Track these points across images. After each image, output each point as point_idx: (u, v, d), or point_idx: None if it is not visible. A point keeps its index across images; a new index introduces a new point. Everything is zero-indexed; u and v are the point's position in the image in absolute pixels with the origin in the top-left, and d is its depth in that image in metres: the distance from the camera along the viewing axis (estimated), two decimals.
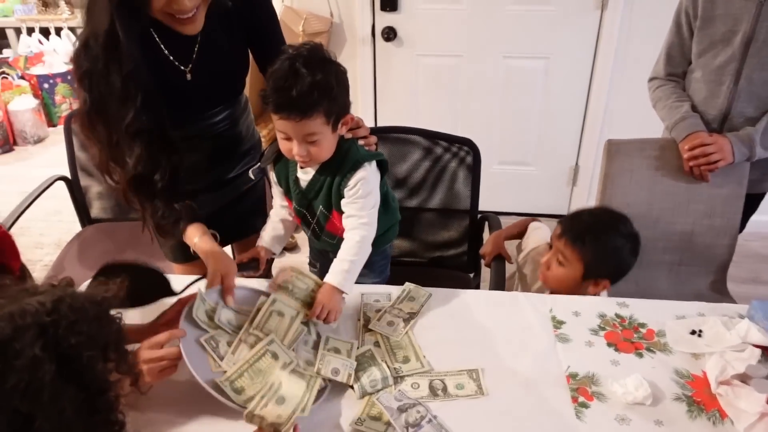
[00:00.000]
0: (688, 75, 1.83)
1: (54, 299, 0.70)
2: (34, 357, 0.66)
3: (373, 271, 1.52)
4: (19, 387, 0.64)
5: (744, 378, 1.13)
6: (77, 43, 1.25)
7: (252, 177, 1.57)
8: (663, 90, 1.85)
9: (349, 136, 1.36)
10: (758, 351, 1.17)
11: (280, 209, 1.50)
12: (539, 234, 1.75)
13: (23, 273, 1.16)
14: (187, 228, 1.41)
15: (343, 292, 1.28)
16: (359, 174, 1.31)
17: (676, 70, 1.85)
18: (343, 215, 1.34)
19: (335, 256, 1.33)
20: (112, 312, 0.77)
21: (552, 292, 1.54)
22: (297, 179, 1.39)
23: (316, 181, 1.35)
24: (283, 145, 1.28)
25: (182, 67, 1.39)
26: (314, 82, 1.17)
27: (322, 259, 1.60)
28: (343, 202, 1.34)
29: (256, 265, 1.44)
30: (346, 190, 1.32)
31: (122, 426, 0.76)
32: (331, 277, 1.28)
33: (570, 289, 1.50)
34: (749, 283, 2.73)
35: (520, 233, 1.81)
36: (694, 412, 1.10)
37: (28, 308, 0.68)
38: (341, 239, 1.35)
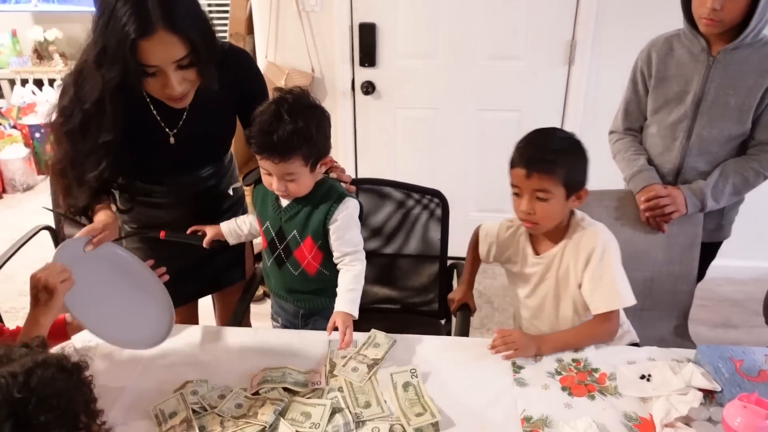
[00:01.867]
0: (644, 129, 1.94)
1: (25, 371, 0.73)
2: None
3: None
4: None
5: (687, 420, 1.19)
6: (60, 93, 1.35)
7: (230, 193, 1.66)
8: (621, 143, 1.95)
9: (333, 176, 1.49)
10: (700, 394, 1.24)
11: (249, 223, 1.60)
12: (486, 228, 1.72)
13: None
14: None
15: (352, 316, 1.40)
16: (346, 210, 1.43)
17: (633, 124, 1.95)
18: (335, 253, 1.46)
19: (291, 298, 1.56)
20: (83, 376, 0.81)
21: (534, 240, 1.55)
22: (278, 198, 1.48)
23: (295, 207, 1.45)
24: (265, 179, 1.42)
25: (167, 130, 1.47)
26: (295, 129, 1.29)
27: (283, 314, 1.67)
28: (334, 242, 1.45)
29: (200, 238, 1.55)
30: (333, 225, 1.43)
31: None
32: (342, 306, 1.41)
33: (560, 216, 1.47)
34: (720, 327, 2.79)
35: (473, 266, 1.82)
36: None
37: (0, 383, 0.70)
38: (304, 270, 1.48)
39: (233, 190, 1.65)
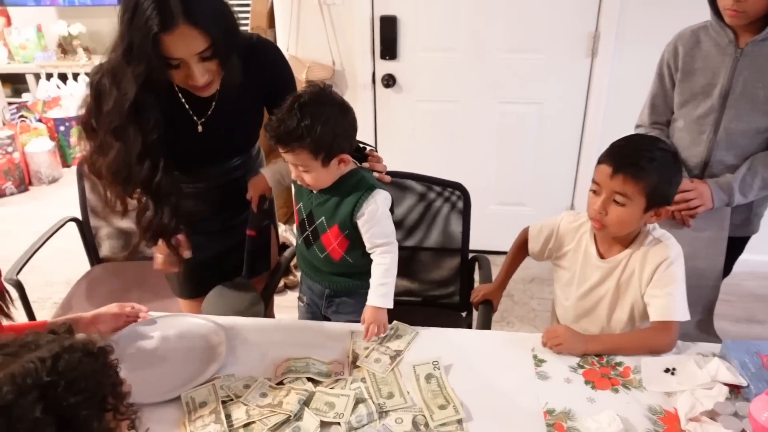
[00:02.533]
0: (671, 123, 1.91)
1: (53, 355, 0.75)
2: (35, 420, 0.70)
3: (359, 302, 1.57)
4: None
5: (712, 415, 1.18)
6: (95, 93, 1.36)
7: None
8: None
9: (366, 166, 1.53)
10: (726, 389, 1.23)
11: (280, 167, 1.65)
12: (538, 226, 1.68)
13: (3, 295, 1.20)
14: None
15: (386, 309, 1.45)
16: (373, 206, 1.45)
17: (660, 118, 1.93)
18: (367, 244, 1.49)
19: (317, 278, 1.61)
20: (109, 359, 0.83)
21: (598, 243, 1.51)
22: None
23: (324, 194, 1.48)
24: (291, 168, 1.46)
25: (195, 119, 1.50)
26: (299, 123, 1.33)
27: (309, 293, 1.69)
28: (365, 235, 1.47)
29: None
30: (361, 219, 1.45)
31: None
32: (373, 300, 1.45)
33: (632, 226, 1.43)
34: (743, 323, 2.76)
35: (511, 266, 1.80)
36: None
37: (29, 368, 0.72)
38: (329, 255, 1.51)
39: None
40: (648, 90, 1.95)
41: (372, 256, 1.50)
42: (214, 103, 1.49)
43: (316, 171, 1.41)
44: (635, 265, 1.45)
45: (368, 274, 1.49)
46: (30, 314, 1.97)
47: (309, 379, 1.31)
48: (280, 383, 1.31)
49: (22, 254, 2.06)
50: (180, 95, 1.46)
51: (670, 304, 1.40)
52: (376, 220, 1.45)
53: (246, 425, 1.21)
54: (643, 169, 1.35)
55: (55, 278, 3.16)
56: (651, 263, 1.43)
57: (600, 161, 1.42)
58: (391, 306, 1.45)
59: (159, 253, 1.59)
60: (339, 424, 1.20)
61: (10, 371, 0.72)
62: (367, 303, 1.45)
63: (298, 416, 1.21)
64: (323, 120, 1.35)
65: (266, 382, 1.31)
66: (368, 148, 1.61)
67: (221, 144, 1.57)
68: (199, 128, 1.51)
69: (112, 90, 1.33)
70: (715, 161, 1.79)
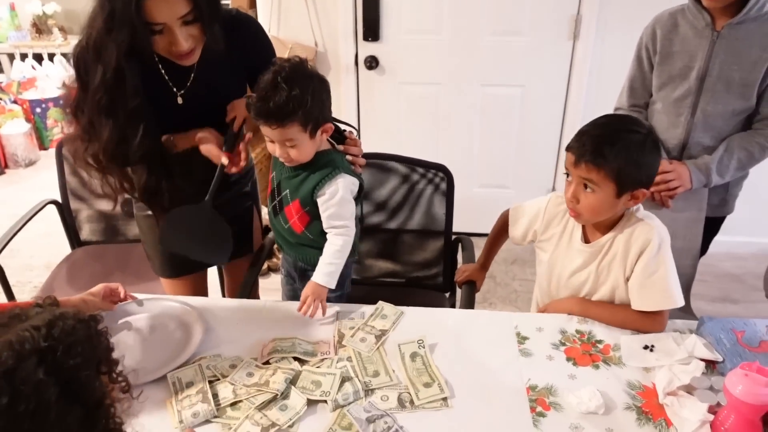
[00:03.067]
0: (650, 106, 1.94)
1: (46, 323, 0.75)
2: (38, 382, 0.71)
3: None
4: (28, 410, 0.70)
5: (689, 389, 1.21)
6: (79, 73, 1.35)
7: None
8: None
9: (341, 149, 1.52)
10: (702, 364, 1.26)
11: None
12: (522, 209, 1.67)
13: None
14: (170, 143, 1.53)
15: (327, 288, 1.46)
16: (334, 187, 1.46)
17: (638, 101, 1.95)
18: (324, 225, 1.50)
19: (286, 248, 1.63)
20: (99, 328, 0.84)
21: (585, 226, 1.50)
22: None
23: (295, 169, 1.49)
24: (269, 146, 1.45)
25: (175, 90, 1.49)
26: (290, 96, 1.33)
27: (286, 264, 1.73)
28: (323, 213, 1.48)
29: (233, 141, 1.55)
30: (320, 198, 1.47)
31: (119, 430, 0.82)
32: (317, 276, 1.46)
33: (607, 212, 1.40)
34: (719, 302, 2.82)
35: (493, 247, 1.82)
36: (643, 420, 1.18)
37: (25, 335, 0.73)
38: (290, 227, 1.54)
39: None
40: (627, 73, 1.98)
41: (327, 236, 1.51)
42: (192, 74, 1.49)
43: (304, 144, 1.41)
44: (618, 248, 1.44)
45: None
46: (10, 298, 1.96)
47: (295, 359, 1.32)
48: (267, 363, 1.31)
49: (1, 237, 2.03)
50: (160, 66, 1.45)
51: (658, 294, 1.40)
52: (335, 202, 1.46)
53: (233, 404, 1.22)
54: (603, 156, 1.32)
55: (35, 262, 3.12)
56: (636, 245, 1.41)
57: (567, 148, 1.41)
58: (332, 287, 1.47)
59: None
60: (326, 402, 1.21)
61: (6, 339, 0.72)
62: (312, 278, 1.47)
63: (285, 395, 1.22)
64: (311, 90, 1.36)
65: (252, 362, 1.32)
66: (347, 129, 1.61)
67: (201, 116, 1.55)
68: (179, 99, 1.51)
69: (96, 65, 1.32)
70: (693, 143, 1.82)
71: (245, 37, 1.52)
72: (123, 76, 1.33)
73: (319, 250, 1.52)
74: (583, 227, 1.52)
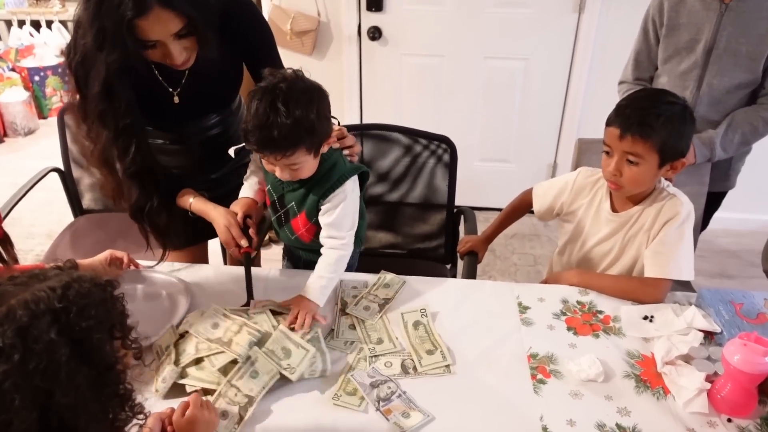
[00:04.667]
0: (655, 79, 1.93)
1: (62, 285, 0.77)
2: (50, 341, 0.73)
3: None
4: (39, 368, 0.71)
5: (687, 359, 1.23)
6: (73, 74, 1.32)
7: (231, 155, 1.59)
8: (631, 93, 1.95)
9: (337, 146, 1.41)
10: (701, 335, 1.29)
11: (253, 181, 1.54)
12: (549, 184, 1.67)
13: (5, 237, 1.22)
14: (179, 197, 1.51)
15: (316, 304, 1.34)
16: (341, 195, 1.36)
17: (643, 74, 1.95)
18: (321, 233, 1.41)
19: (295, 248, 1.52)
20: (115, 293, 0.85)
21: (614, 196, 1.51)
22: None
23: (297, 181, 1.40)
24: (267, 167, 1.34)
25: (170, 89, 1.47)
26: (294, 121, 1.20)
27: (289, 254, 1.69)
28: (321, 218, 1.39)
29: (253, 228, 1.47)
30: (324, 206, 1.37)
31: (129, 396, 0.84)
32: (308, 292, 1.34)
33: (649, 183, 1.44)
34: (716, 277, 2.85)
35: (503, 223, 1.82)
36: (641, 388, 1.20)
37: (41, 295, 0.74)
38: (298, 237, 1.47)
39: (234, 152, 1.61)
40: (632, 46, 1.96)
41: (322, 249, 1.41)
42: (186, 72, 1.45)
43: (308, 164, 1.31)
44: (646, 220, 1.46)
45: None
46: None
47: (273, 312, 1.31)
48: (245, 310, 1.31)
49: (3, 205, 2.03)
50: (153, 67, 1.43)
51: (669, 262, 1.41)
52: (337, 214, 1.37)
53: (197, 362, 1.19)
54: (650, 127, 1.34)
55: (36, 230, 3.13)
56: (664, 217, 1.43)
57: (608, 123, 1.41)
58: (321, 305, 1.35)
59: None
60: (288, 379, 1.19)
61: (23, 298, 0.74)
62: (301, 292, 1.35)
63: (253, 360, 1.18)
64: (314, 109, 1.24)
65: (220, 309, 1.28)
66: (334, 123, 1.55)
67: (198, 108, 1.54)
68: (176, 99, 1.48)
69: (88, 77, 1.29)
70: (698, 117, 1.80)
71: (240, 22, 1.46)
72: (115, 92, 1.30)
73: None
74: (611, 199, 1.53)
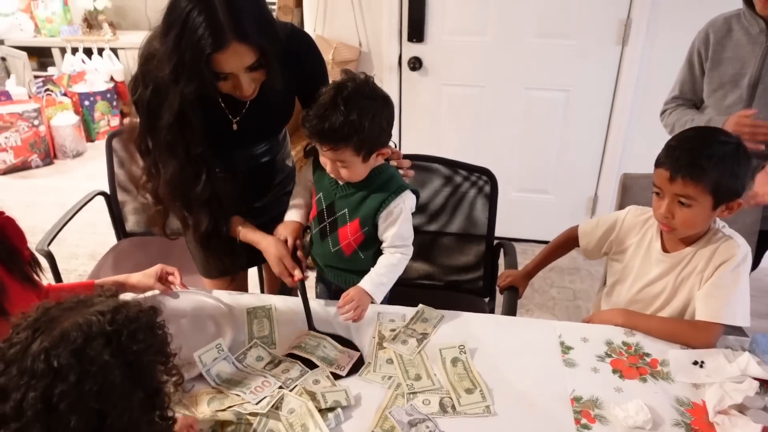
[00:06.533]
0: (701, 111, 1.89)
1: (111, 309, 0.79)
2: (105, 362, 0.74)
3: None
4: (94, 389, 0.73)
5: (741, 408, 1.17)
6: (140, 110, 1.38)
7: (289, 165, 1.71)
8: (677, 111, 1.91)
9: (393, 164, 1.48)
10: (756, 383, 1.22)
11: (300, 202, 1.58)
12: (594, 222, 1.63)
13: (33, 258, 1.25)
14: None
15: (372, 299, 1.40)
16: (402, 203, 1.42)
17: (686, 104, 1.91)
18: (385, 242, 1.46)
19: (326, 270, 1.57)
20: (158, 319, 0.86)
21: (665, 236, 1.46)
22: None
23: (351, 187, 1.45)
24: (322, 159, 1.42)
25: (230, 117, 1.50)
26: (346, 120, 1.28)
27: (321, 285, 1.72)
28: (382, 228, 1.44)
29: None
30: (385, 216, 1.42)
31: (174, 421, 0.84)
32: (366, 283, 1.41)
33: (703, 224, 1.38)
34: (766, 318, 2.73)
35: (547, 259, 1.78)
36: None
37: (92, 319, 0.76)
38: (341, 249, 1.48)
39: (291, 161, 1.67)
40: (676, 76, 1.93)
41: (384, 252, 1.47)
42: (248, 102, 1.48)
43: (356, 166, 1.37)
44: (699, 262, 1.40)
45: None
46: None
47: (307, 362, 1.32)
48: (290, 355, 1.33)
49: (53, 226, 2.09)
50: (218, 95, 1.46)
51: (722, 306, 1.35)
52: (399, 222, 1.42)
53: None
54: (702, 169, 1.28)
55: (80, 251, 3.21)
56: (718, 259, 1.37)
57: (657, 165, 1.37)
58: (378, 302, 1.43)
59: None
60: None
61: (75, 321, 0.76)
62: (359, 284, 1.41)
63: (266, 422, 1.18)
64: (370, 116, 1.31)
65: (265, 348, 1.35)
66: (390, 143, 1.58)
67: (252, 136, 1.58)
68: (234, 126, 1.52)
69: (160, 109, 1.33)
70: None
71: (299, 58, 1.49)
72: (188, 122, 1.34)
73: (363, 274, 1.46)
74: (662, 239, 1.48)
